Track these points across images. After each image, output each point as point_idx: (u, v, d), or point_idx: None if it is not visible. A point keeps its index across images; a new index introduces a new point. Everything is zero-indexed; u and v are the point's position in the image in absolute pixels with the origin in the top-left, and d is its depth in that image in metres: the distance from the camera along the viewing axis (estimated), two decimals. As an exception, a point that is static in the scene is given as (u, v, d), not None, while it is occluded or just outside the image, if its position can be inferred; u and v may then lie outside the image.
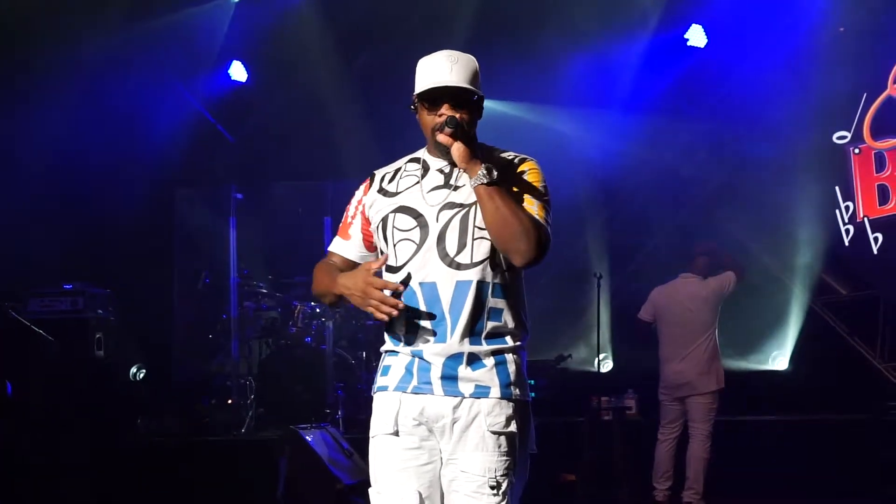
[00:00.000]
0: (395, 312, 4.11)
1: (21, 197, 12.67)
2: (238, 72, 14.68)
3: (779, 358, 14.05)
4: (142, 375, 12.65)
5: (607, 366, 14.01)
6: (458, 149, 4.21)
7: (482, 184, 4.14)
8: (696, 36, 14.10)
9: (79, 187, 13.21)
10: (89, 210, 13.29)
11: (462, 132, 4.22)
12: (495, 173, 4.16)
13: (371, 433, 4.41)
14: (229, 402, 12.48)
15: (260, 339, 13.08)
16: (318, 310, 12.73)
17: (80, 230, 13.23)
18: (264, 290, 13.17)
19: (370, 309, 4.15)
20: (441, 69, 4.28)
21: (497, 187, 4.15)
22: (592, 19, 13.82)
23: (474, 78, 4.33)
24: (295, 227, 13.65)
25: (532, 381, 12.66)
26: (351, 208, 4.54)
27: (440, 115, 4.26)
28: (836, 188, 13.72)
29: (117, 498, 10.68)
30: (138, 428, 12.17)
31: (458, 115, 4.24)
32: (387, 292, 4.12)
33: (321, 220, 12.69)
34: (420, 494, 4.24)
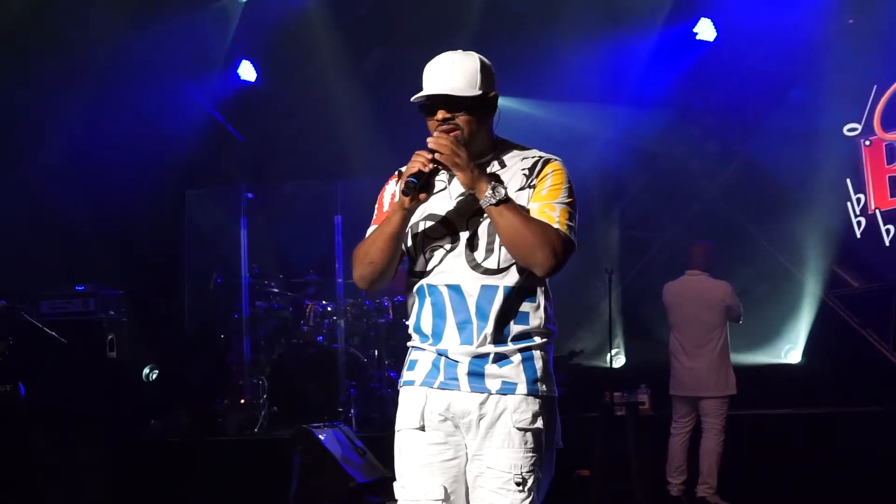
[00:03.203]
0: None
1: (33, 198, 12.71)
2: (247, 71, 14.70)
3: (791, 351, 14.02)
4: (155, 376, 12.65)
5: (619, 361, 14.00)
6: (459, 175, 4.19)
7: (491, 205, 4.13)
8: (706, 30, 14.09)
9: (90, 189, 13.23)
10: (100, 211, 13.32)
11: (428, 176, 4.17)
12: (502, 190, 4.15)
13: (396, 427, 4.39)
14: (242, 401, 12.48)
15: (272, 338, 13.07)
16: (329, 308, 12.72)
17: (92, 231, 13.26)
18: (276, 290, 13.16)
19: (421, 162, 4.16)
20: (435, 75, 4.27)
21: (506, 204, 4.15)
22: (601, 14, 13.83)
23: (473, 77, 4.29)
24: (306, 226, 13.63)
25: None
26: (385, 201, 4.50)
27: (436, 120, 4.25)
28: (848, 180, 13.72)
29: (131, 498, 10.69)
30: (151, 428, 12.20)
31: (455, 120, 4.24)
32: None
33: (332, 219, 12.68)
34: (445, 489, 4.24)
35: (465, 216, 4.27)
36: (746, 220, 14.37)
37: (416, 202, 4.18)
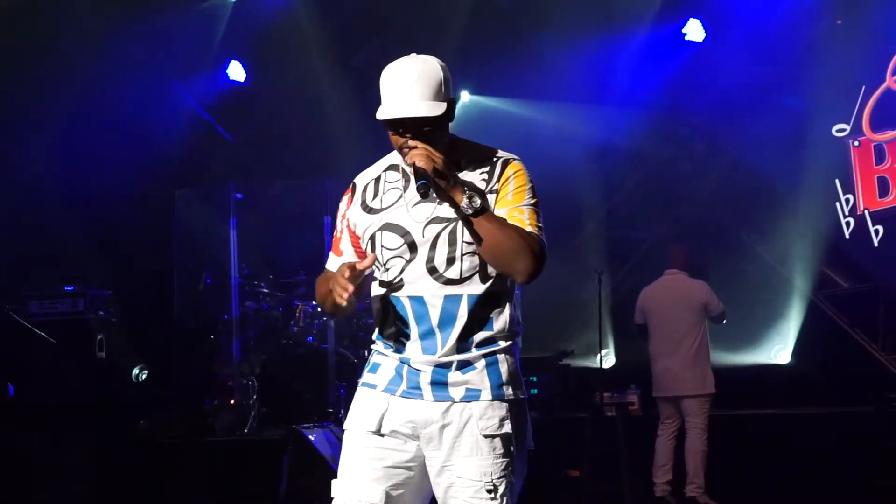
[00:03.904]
0: (345, 296, 4.05)
1: (21, 198, 12.68)
2: (236, 71, 14.70)
3: (781, 351, 14.04)
4: (144, 376, 12.63)
5: (609, 361, 14.02)
6: (435, 189, 4.07)
7: (467, 215, 4.06)
8: (694, 30, 14.12)
9: (78, 189, 13.20)
10: (89, 211, 13.29)
11: (435, 178, 4.08)
12: (478, 201, 4.07)
13: (347, 425, 4.34)
14: (232, 402, 12.46)
15: (262, 338, 13.06)
16: (319, 309, 12.71)
17: (80, 231, 13.23)
18: (265, 290, 13.15)
19: (336, 295, 4.09)
20: (400, 91, 4.13)
21: (484, 213, 4.08)
22: (590, 14, 13.83)
23: (438, 90, 4.14)
24: (295, 225, 13.62)
25: (534, 378, 12.74)
26: (338, 223, 4.46)
27: (404, 136, 4.14)
28: (836, 181, 13.73)
29: (120, 498, 10.67)
30: (141, 428, 12.17)
31: (428, 155, 4.08)
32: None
33: (321, 219, 12.67)
34: (386, 494, 4.19)
35: (423, 225, 4.19)
36: (735, 221, 14.40)
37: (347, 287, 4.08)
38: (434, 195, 4.11)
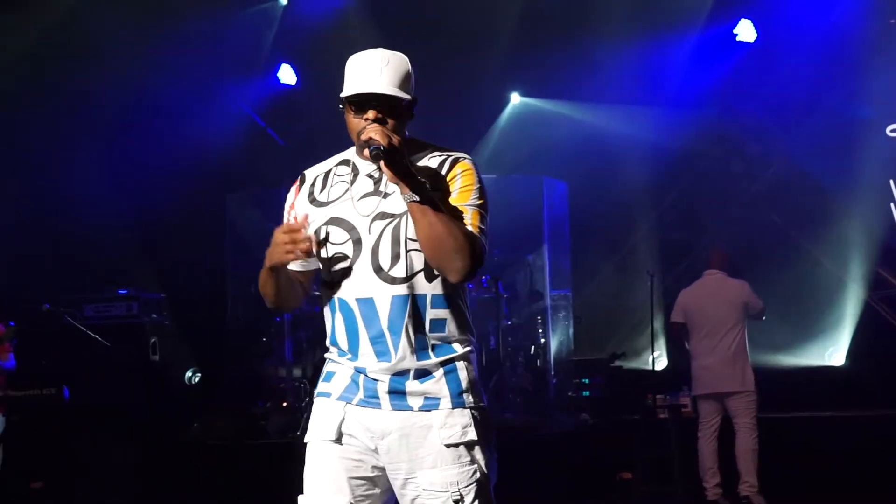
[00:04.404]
0: (302, 247, 3.96)
1: (74, 204, 12.77)
2: (287, 75, 14.75)
3: (835, 353, 13.94)
4: (197, 379, 12.71)
5: (661, 363, 13.96)
6: (385, 168, 3.94)
7: (414, 201, 3.91)
8: (746, 31, 14.05)
9: (131, 193, 13.29)
10: (142, 216, 13.38)
11: (388, 151, 3.93)
12: (428, 188, 3.95)
13: (308, 437, 4.25)
14: (284, 404, 12.51)
15: (314, 340, 13.09)
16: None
17: (134, 236, 13.32)
18: (317, 292, 13.16)
19: (285, 256, 4.01)
20: (370, 71, 4.08)
21: (430, 204, 3.93)
22: (641, 16, 13.80)
23: (405, 80, 4.13)
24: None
25: (586, 380, 12.72)
26: (285, 215, 4.32)
27: (366, 119, 4.05)
28: (891, 181, 13.63)
29: (173, 500, 10.74)
30: (193, 431, 12.24)
31: (384, 132, 3.97)
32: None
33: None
34: None
35: (368, 219, 4.09)
36: (788, 222, 14.31)
37: (284, 261, 4.06)
38: (382, 170, 3.98)
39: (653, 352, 12.02)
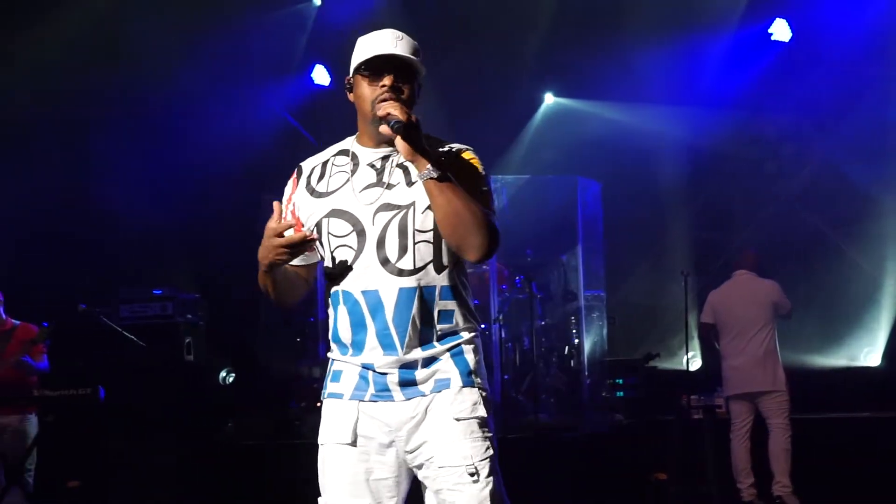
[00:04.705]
0: (297, 250, 4.00)
1: (110, 204, 12.82)
2: (321, 75, 14.78)
3: (871, 354, 13.88)
4: (231, 379, 12.74)
5: (696, 364, 13.92)
6: (400, 142, 3.91)
7: (431, 178, 3.88)
8: (781, 30, 13.99)
9: (166, 194, 13.33)
10: (176, 216, 13.40)
11: (407, 126, 3.90)
12: (443, 169, 3.91)
13: (321, 440, 4.20)
14: (318, 404, 12.48)
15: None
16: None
17: (169, 236, 13.36)
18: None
19: (276, 258, 3.99)
20: (385, 42, 4.05)
21: (448, 181, 3.88)
22: (675, 15, 13.77)
23: (418, 55, 4.09)
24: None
25: (620, 381, 12.69)
26: (283, 209, 4.25)
27: (382, 85, 4.01)
28: (927, 180, 13.58)
29: (207, 500, 10.77)
30: (228, 431, 12.27)
31: (402, 107, 3.94)
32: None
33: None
34: None
35: (372, 210, 4.04)
36: (823, 222, 14.25)
37: (282, 260, 4.03)
38: (397, 146, 3.94)
39: (687, 352, 11.98)
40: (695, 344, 13.72)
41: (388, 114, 3.91)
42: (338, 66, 14.78)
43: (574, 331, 13.04)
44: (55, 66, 12.79)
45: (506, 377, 12.43)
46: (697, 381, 12.70)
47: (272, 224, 3.99)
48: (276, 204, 4.09)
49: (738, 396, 10.55)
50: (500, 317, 12.28)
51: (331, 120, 14.87)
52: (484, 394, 4.08)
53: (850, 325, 13.90)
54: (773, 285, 10.65)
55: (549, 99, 15.38)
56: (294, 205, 4.27)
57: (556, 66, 14.64)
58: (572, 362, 13.02)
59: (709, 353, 12.58)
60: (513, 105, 15.00)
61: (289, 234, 4.01)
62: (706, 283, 13.61)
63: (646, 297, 14.17)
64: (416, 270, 3.99)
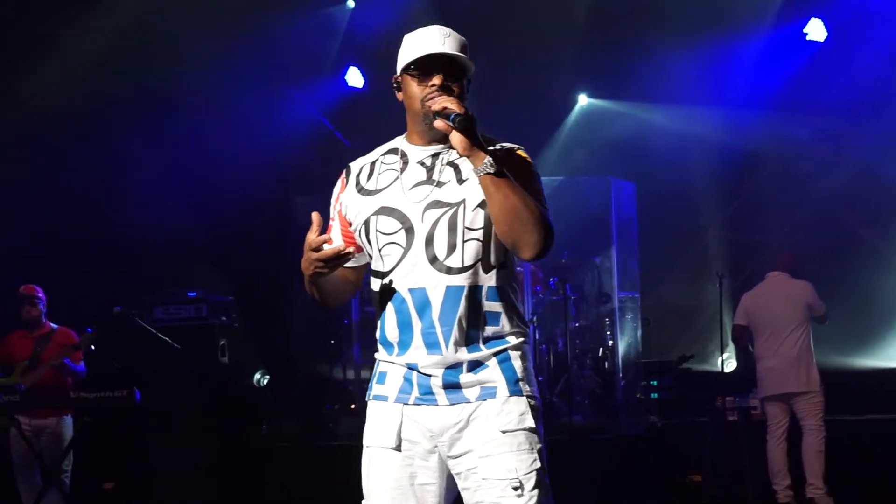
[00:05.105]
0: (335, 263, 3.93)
1: (143, 207, 12.86)
2: (355, 78, 14.79)
3: (907, 354, 13.82)
4: (266, 381, 12.77)
5: (731, 365, 13.87)
6: (457, 137, 3.84)
7: (488, 174, 3.82)
8: (816, 30, 13.93)
9: (198, 196, 13.37)
10: (210, 218, 13.44)
11: (465, 119, 3.84)
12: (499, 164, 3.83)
13: (365, 443, 4.18)
14: (352, 406, 12.53)
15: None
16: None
17: (202, 239, 13.39)
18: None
19: (317, 272, 3.95)
20: (433, 40, 4.03)
21: (504, 176, 3.82)
22: (708, 15, 13.74)
23: (464, 52, 4.06)
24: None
25: (655, 382, 12.66)
26: (331, 210, 4.22)
27: (431, 85, 3.98)
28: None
29: (241, 502, 10.80)
30: (262, 433, 12.30)
31: (457, 101, 3.91)
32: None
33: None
34: None
35: (421, 208, 3.97)
36: (859, 223, 14.18)
37: (324, 270, 3.95)
38: (452, 142, 3.87)
39: (722, 354, 11.95)
40: (729, 345, 13.69)
41: (446, 108, 3.88)
42: (371, 68, 14.79)
43: (608, 332, 13.02)
44: (88, 66, 12.84)
45: (540, 379, 12.37)
46: (732, 382, 12.65)
47: (310, 237, 3.94)
48: (314, 215, 3.97)
49: (772, 398, 10.52)
50: (535, 318, 12.27)
51: (364, 122, 14.93)
52: (532, 402, 3.99)
53: (886, 326, 13.82)
54: (806, 286, 10.63)
55: (583, 100, 15.37)
56: (342, 204, 4.20)
57: (590, 68, 14.63)
58: (606, 364, 12.99)
59: (743, 354, 12.56)
60: (547, 106, 14.99)
61: (327, 246, 3.95)
62: (741, 285, 13.58)
63: (680, 298, 14.14)
64: (464, 269, 3.93)
